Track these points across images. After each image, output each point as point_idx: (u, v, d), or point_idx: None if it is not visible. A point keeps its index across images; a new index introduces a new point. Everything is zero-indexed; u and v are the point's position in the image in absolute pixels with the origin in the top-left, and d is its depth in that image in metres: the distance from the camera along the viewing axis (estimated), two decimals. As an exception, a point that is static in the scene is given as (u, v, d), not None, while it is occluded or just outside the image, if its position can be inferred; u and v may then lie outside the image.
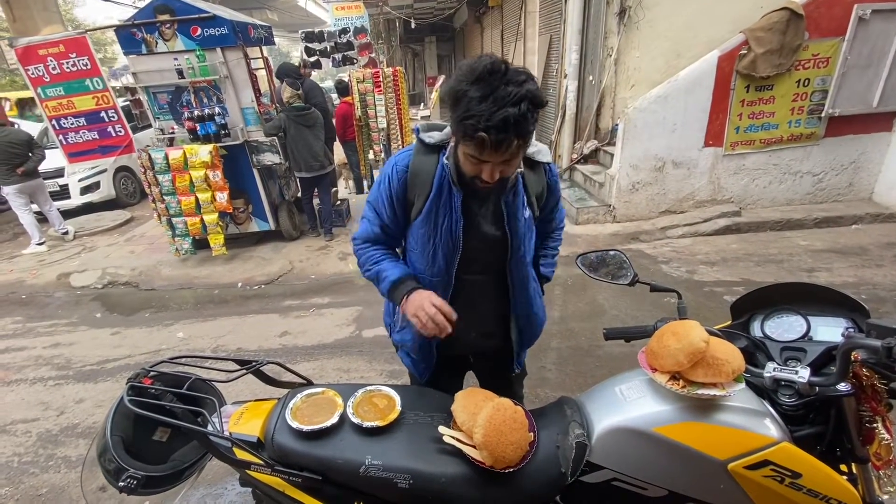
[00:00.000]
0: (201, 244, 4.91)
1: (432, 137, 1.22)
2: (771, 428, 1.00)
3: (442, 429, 1.10)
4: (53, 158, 6.16)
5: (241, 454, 1.05)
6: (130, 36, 4.13)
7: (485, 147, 0.99)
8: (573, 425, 1.10)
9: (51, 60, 4.13)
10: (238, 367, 1.26)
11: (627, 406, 1.08)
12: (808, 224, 4.70)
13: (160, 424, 1.07)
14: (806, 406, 1.06)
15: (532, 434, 1.10)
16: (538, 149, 1.27)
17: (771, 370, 1.08)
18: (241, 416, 1.17)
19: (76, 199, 7.17)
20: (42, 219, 6.17)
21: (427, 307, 1.15)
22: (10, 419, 2.83)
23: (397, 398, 1.16)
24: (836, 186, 4.95)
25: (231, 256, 4.96)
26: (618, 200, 4.82)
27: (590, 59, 5.48)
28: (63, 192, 7.06)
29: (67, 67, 4.18)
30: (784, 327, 1.22)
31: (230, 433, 1.11)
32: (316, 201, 5.35)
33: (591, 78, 5.48)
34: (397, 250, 1.41)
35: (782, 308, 1.25)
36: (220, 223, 4.62)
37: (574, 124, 5.68)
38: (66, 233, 6.15)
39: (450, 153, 1.18)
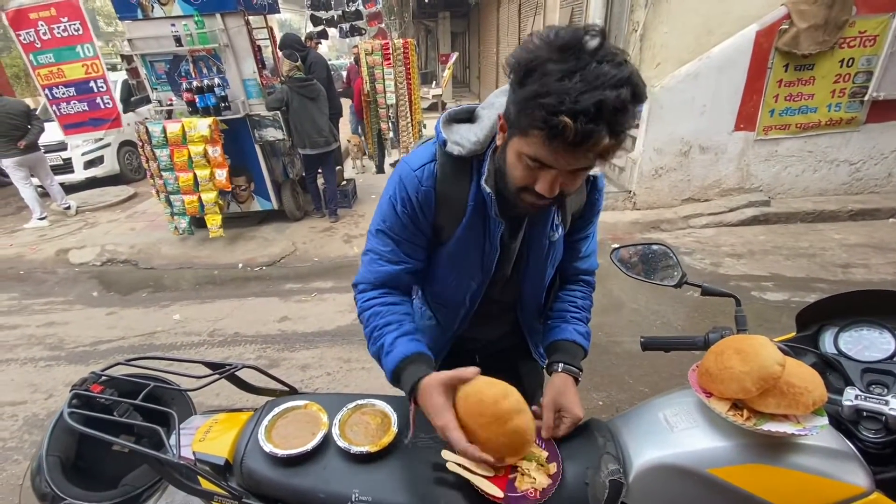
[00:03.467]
0: (202, 223, 4.74)
1: (462, 146, 0.88)
2: (859, 474, 0.79)
3: (446, 453, 0.91)
4: (54, 131, 6.00)
5: (205, 482, 0.87)
6: (125, -1, 3.90)
7: (562, 140, 0.68)
8: (606, 458, 0.90)
9: (42, 25, 3.90)
10: (209, 372, 1.07)
11: (675, 438, 0.88)
12: (843, 216, 4.40)
13: (102, 450, 0.89)
14: (893, 443, 0.85)
15: (555, 465, 0.91)
16: None
17: (852, 398, 0.88)
18: (210, 430, 0.99)
19: (80, 174, 7.05)
20: (44, 193, 6.05)
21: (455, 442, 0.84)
22: (-2, 401, 2.72)
23: (393, 416, 0.97)
24: (875, 177, 4.61)
25: (233, 236, 4.79)
26: (639, 186, 4.55)
27: (613, 35, 5.14)
28: (66, 166, 6.93)
29: (58, 32, 3.95)
30: (864, 343, 1.00)
31: (193, 452, 0.93)
32: (320, 180, 5.14)
33: (613, 54, 5.14)
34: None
35: (861, 320, 1.03)
36: (220, 202, 4.43)
37: (594, 104, 5.37)
38: (69, 207, 6.03)
39: (489, 171, 0.88)
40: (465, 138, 0.88)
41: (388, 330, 0.95)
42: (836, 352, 1.01)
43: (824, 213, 4.41)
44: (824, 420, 0.81)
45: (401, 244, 0.97)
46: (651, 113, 4.29)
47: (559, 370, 1.03)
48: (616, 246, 1.21)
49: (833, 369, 1.00)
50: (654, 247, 1.14)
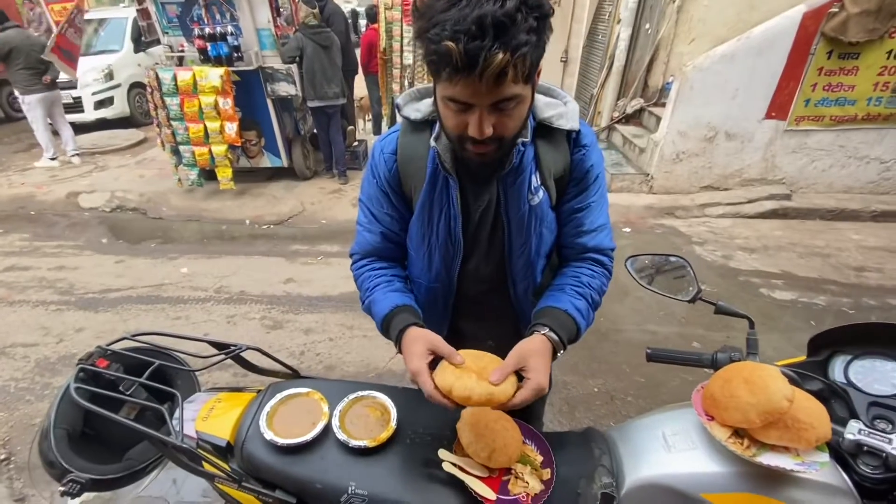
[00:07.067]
0: (210, 174, 4.70)
1: (419, 111, 0.93)
2: (853, 512, 0.80)
3: (442, 453, 0.92)
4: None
5: (206, 464, 0.89)
6: (136, -67, 3.69)
7: (455, 67, 0.67)
8: (601, 471, 0.91)
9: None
10: (214, 350, 1.08)
11: (672, 458, 0.88)
12: (864, 216, 4.28)
13: (109, 420, 0.90)
14: (891, 481, 0.85)
15: (549, 471, 0.92)
16: (560, 112, 0.90)
17: (855, 432, 0.86)
18: (213, 410, 1.01)
19: (90, 114, 6.96)
20: (55, 132, 5.98)
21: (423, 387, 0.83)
22: (11, 341, 2.80)
23: (393, 411, 0.98)
24: (904, 177, 4.44)
25: (241, 191, 4.77)
26: (658, 170, 4.42)
27: (649, 5, 4.84)
28: (76, 105, 6.82)
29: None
30: (875, 376, 0.98)
31: (196, 431, 0.95)
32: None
33: (647, 26, 4.87)
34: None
35: (877, 351, 1.01)
36: (230, 155, 4.38)
37: (621, 78, 5.13)
38: (77, 155, 5.92)
39: (439, 130, 0.88)
40: (422, 106, 0.93)
41: (378, 289, 1.01)
42: (844, 381, 0.99)
43: (846, 211, 4.28)
44: (825, 457, 0.81)
45: (377, 214, 1.02)
46: (680, 93, 4.10)
47: (540, 332, 0.89)
48: (631, 255, 1.18)
49: (839, 398, 0.99)
50: (672, 258, 1.10)
